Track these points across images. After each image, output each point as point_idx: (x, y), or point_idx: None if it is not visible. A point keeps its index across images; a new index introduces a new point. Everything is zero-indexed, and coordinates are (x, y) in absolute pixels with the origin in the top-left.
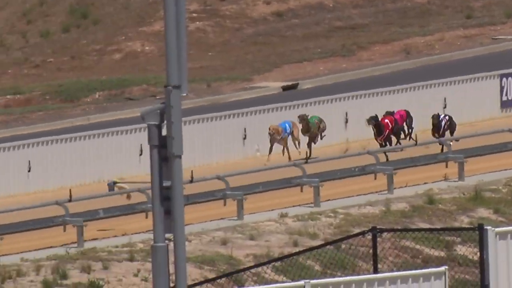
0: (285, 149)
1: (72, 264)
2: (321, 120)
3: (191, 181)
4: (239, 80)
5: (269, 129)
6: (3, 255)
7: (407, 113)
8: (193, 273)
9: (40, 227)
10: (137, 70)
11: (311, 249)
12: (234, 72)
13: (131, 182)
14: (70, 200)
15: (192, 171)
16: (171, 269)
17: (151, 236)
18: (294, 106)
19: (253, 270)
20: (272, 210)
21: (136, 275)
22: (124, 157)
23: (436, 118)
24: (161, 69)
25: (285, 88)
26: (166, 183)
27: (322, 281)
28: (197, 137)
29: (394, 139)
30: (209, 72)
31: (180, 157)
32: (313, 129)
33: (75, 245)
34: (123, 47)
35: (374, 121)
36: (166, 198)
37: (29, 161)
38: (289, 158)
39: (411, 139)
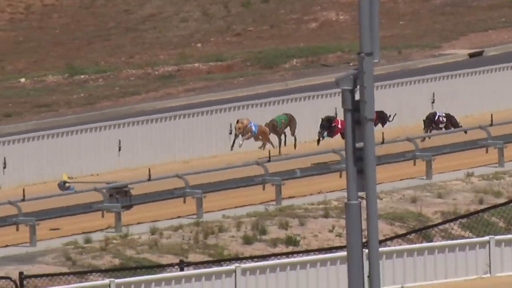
0: (267, 143)
1: (270, 221)
2: (290, 118)
3: (382, 143)
4: (428, 48)
5: (237, 122)
6: (206, 212)
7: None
8: (384, 229)
9: (241, 186)
10: (332, 38)
11: (496, 206)
12: (423, 40)
13: (81, 182)
14: (269, 160)
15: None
16: (364, 225)
17: (345, 194)
18: (480, 72)
19: (441, 227)
20: (458, 170)
21: (330, 231)
22: (319, 119)
23: (430, 116)
24: (354, 37)
25: (471, 55)
26: (358, 145)
27: (506, 237)
28: (387, 101)
29: None
30: (399, 40)
31: (372, 120)
32: (279, 128)
33: (274, 203)
34: (319, 16)
35: None
36: (358, 159)
37: (230, 124)
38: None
39: None
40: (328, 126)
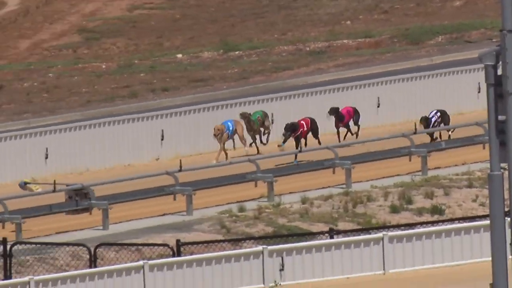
0: (221, 148)
1: (416, 191)
2: (265, 116)
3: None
4: None
5: (214, 129)
6: (354, 182)
7: (354, 109)
8: None
9: (388, 157)
10: (476, 16)
11: None
12: None
13: (43, 183)
14: (415, 133)
15: None
16: (506, 195)
17: (488, 165)
18: None
19: None
20: None
21: (474, 201)
22: (463, 93)
23: (424, 120)
24: (497, 14)
25: None
26: (501, 118)
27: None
28: None
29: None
30: None
31: None
32: (255, 127)
33: (420, 173)
34: None
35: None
36: (501, 131)
37: (378, 98)
38: (226, 157)
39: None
40: (293, 130)
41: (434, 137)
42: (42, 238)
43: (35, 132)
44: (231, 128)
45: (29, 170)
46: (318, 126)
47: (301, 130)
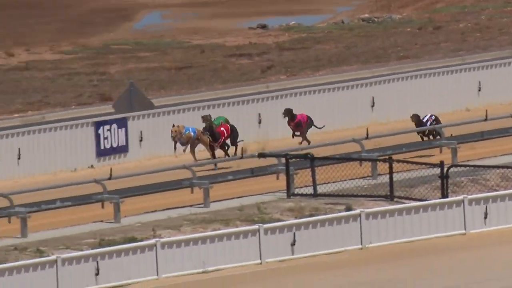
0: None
1: None
2: (227, 121)
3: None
4: None
5: (171, 132)
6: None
7: (308, 117)
8: None
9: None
10: None
11: None
12: None
13: None
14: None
15: None
16: None
17: None
18: None
19: None
20: None
21: None
22: None
23: (416, 118)
24: None
25: None
26: None
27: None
28: None
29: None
30: None
31: None
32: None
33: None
34: None
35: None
36: None
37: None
38: (195, 159)
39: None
40: (212, 132)
41: (427, 134)
42: (475, 161)
43: (469, 68)
44: (193, 135)
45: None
46: (238, 133)
47: (222, 137)
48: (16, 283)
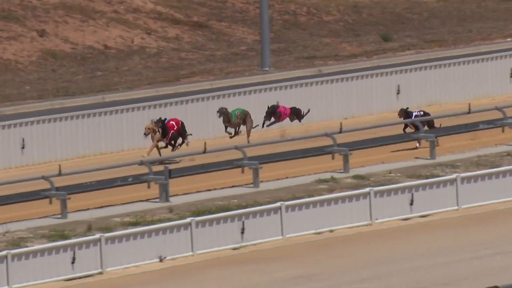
0: (153, 145)
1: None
2: (246, 114)
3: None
4: None
5: (145, 128)
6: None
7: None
8: None
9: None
10: None
11: None
12: None
13: None
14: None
15: None
16: None
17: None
18: None
19: None
20: None
21: None
22: None
23: (404, 113)
24: None
25: None
26: None
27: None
28: None
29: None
30: None
31: None
32: (233, 120)
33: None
34: None
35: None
36: None
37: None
38: (159, 154)
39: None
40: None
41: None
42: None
43: None
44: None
45: None
46: (186, 129)
47: (171, 131)
48: None
